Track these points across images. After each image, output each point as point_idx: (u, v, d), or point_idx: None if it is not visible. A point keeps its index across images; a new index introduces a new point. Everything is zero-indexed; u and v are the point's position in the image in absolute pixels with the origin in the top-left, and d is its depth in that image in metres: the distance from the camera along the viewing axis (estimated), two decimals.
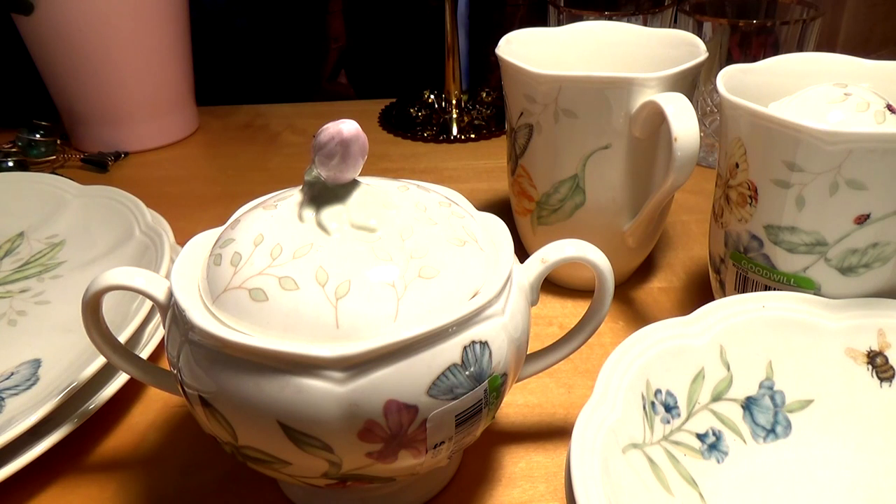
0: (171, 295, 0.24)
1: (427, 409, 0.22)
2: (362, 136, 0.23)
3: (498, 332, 0.23)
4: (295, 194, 0.26)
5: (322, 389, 0.21)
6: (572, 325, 0.30)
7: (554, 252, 0.27)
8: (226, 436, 0.23)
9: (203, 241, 0.26)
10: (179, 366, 0.24)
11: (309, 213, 0.24)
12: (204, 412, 0.23)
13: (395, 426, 0.22)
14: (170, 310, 0.25)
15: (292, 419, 0.21)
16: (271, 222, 0.24)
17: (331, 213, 0.24)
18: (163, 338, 0.26)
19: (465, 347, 0.22)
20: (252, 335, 0.22)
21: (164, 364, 0.32)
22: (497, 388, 0.24)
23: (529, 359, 0.29)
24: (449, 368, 0.22)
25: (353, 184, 0.25)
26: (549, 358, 0.30)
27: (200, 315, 0.23)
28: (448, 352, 0.22)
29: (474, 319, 0.23)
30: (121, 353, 0.29)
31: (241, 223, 0.25)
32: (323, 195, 0.24)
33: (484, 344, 0.23)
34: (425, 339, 0.22)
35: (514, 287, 0.25)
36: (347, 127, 0.23)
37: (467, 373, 0.22)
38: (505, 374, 0.24)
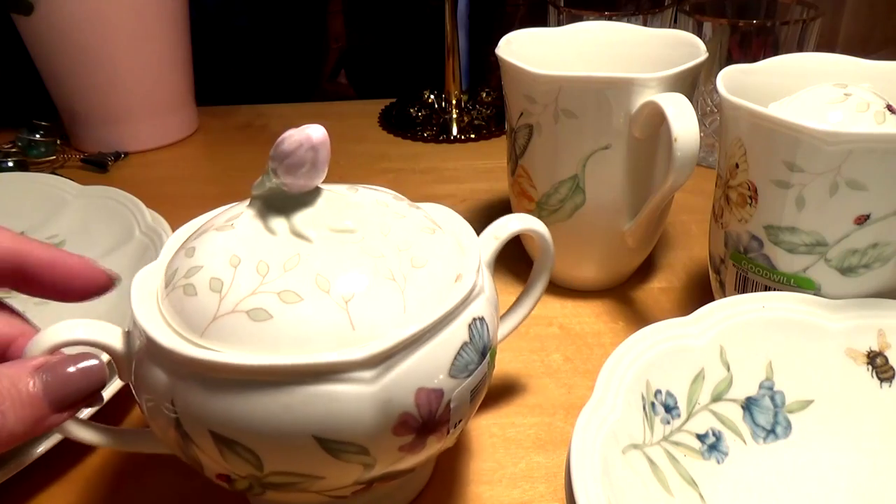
0: (129, 343, 0.23)
1: (450, 389, 0.23)
2: (328, 139, 0.23)
3: (487, 307, 0.25)
4: (244, 210, 0.24)
5: (354, 393, 0.21)
6: (572, 325, 0.30)
7: (503, 228, 0.29)
8: (246, 469, 0.22)
9: (145, 278, 0.25)
10: (178, 412, 0.22)
11: (279, 224, 0.23)
12: (218, 451, 0.22)
13: (426, 413, 0.22)
14: (134, 360, 0.23)
15: (328, 430, 0.21)
16: (239, 241, 0.23)
17: (304, 220, 0.23)
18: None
19: (469, 325, 0.23)
20: (266, 356, 0.21)
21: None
22: (493, 359, 0.26)
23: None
24: (462, 347, 0.23)
25: (316, 190, 0.24)
26: (505, 326, 0.32)
27: (200, 351, 0.21)
28: (459, 331, 0.23)
29: (469, 298, 0.24)
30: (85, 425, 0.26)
31: (198, 250, 0.24)
32: (287, 204, 0.24)
33: (482, 319, 0.24)
34: (440, 323, 0.22)
35: (483, 265, 0.27)
36: (315, 132, 0.22)
37: (475, 348, 0.24)
38: (495, 345, 0.26)
